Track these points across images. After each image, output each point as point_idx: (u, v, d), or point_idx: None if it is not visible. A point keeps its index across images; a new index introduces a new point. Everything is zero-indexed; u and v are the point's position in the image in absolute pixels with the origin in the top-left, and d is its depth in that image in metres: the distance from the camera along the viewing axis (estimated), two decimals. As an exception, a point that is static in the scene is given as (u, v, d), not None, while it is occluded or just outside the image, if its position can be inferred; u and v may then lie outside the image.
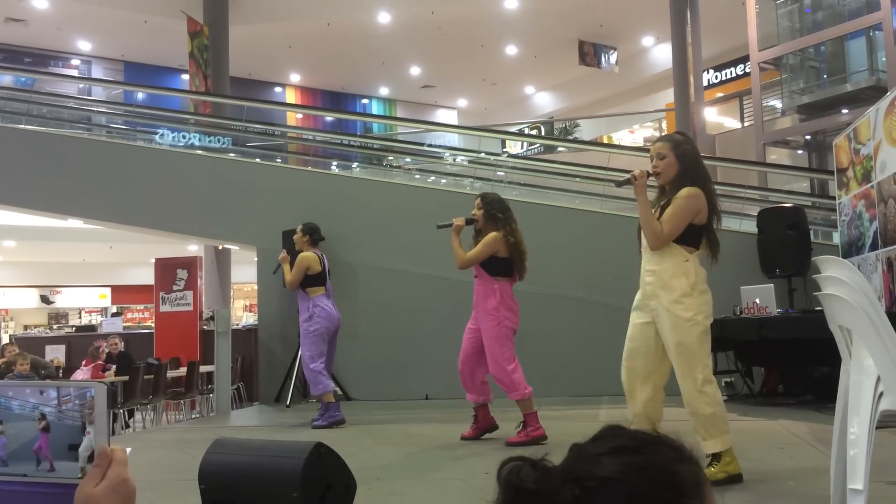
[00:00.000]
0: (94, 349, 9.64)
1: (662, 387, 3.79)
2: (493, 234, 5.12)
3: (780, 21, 15.08)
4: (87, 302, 22.96)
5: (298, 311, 6.58)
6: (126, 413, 8.88)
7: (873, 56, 13.82)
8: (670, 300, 3.63)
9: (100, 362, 9.30)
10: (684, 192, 3.68)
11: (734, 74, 19.09)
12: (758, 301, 6.81)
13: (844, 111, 13.60)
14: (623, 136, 20.55)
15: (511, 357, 5.04)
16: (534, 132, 20.63)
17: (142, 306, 21.67)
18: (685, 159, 3.76)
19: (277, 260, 6.77)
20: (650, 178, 3.79)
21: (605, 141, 18.44)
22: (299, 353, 7.97)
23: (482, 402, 5.29)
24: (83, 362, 9.75)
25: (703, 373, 3.61)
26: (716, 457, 3.60)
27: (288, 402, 8.10)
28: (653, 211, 3.74)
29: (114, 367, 9.31)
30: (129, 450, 1.04)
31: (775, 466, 4.07)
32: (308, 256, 6.46)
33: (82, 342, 11.29)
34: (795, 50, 14.87)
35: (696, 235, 3.72)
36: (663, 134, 4.08)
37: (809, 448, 4.49)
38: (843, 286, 2.68)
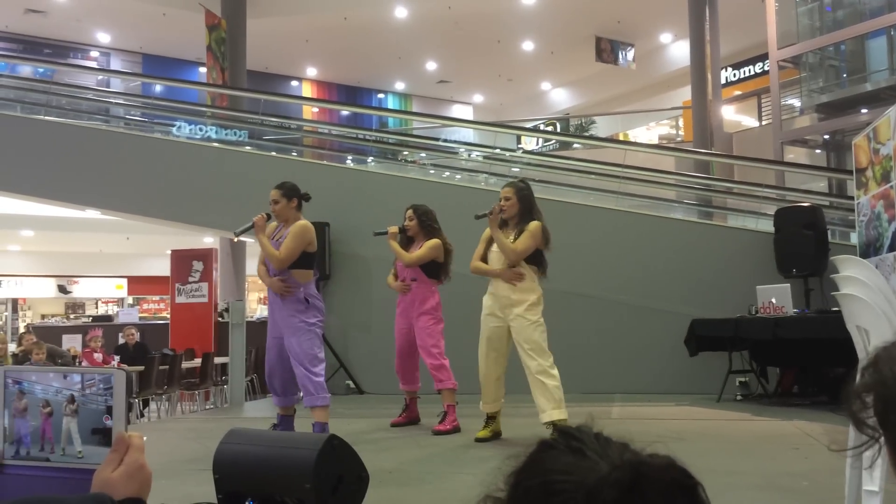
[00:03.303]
0: (92, 339, 9.62)
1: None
2: (435, 241, 5.57)
3: (799, 19, 14.95)
4: (103, 292, 23.14)
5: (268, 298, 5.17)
6: (141, 403, 8.96)
7: (894, 55, 13.67)
8: (523, 308, 4.69)
9: (88, 350, 9.28)
10: (533, 225, 4.79)
11: (752, 72, 18.93)
12: (774, 301, 6.77)
13: (864, 111, 13.47)
14: (640, 134, 20.46)
15: (443, 350, 5.54)
16: (549, 128, 20.56)
17: (157, 297, 21.82)
18: (524, 201, 4.89)
19: (252, 220, 5.19)
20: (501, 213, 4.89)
21: (622, 138, 18.34)
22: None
23: (414, 392, 5.87)
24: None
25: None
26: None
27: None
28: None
29: (116, 358, 9.35)
30: (145, 437, 1.05)
31: (789, 467, 4.06)
32: (311, 228, 5.08)
33: (98, 332, 11.36)
34: (815, 48, 14.73)
35: (538, 258, 4.84)
36: (510, 180, 5.63)
37: (824, 449, 4.47)
38: (861, 286, 2.66)
